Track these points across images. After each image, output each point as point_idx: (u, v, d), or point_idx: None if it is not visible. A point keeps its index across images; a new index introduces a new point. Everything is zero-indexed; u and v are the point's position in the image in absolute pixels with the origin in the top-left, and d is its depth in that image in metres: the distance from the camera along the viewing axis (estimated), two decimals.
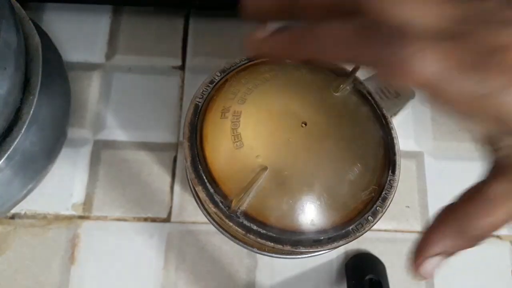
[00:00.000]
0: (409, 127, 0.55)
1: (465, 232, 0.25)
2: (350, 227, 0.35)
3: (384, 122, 0.38)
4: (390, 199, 0.37)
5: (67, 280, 0.48)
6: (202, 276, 0.49)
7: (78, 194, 0.51)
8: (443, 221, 0.26)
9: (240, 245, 0.40)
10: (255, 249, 0.40)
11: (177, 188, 0.52)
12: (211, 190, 0.35)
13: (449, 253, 0.26)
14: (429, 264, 0.26)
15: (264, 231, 0.34)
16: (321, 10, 0.24)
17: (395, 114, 0.47)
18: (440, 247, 0.26)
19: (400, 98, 0.45)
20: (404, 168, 0.53)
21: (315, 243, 0.35)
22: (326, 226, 0.35)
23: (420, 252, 0.26)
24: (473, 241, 0.25)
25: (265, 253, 0.40)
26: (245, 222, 0.34)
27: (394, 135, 0.38)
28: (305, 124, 0.34)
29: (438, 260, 0.26)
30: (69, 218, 0.50)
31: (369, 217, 0.36)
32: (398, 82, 0.21)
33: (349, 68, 0.38)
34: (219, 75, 0.41)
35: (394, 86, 0.31)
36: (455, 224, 0.25)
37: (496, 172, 0.24)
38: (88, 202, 0.51)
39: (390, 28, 0.21)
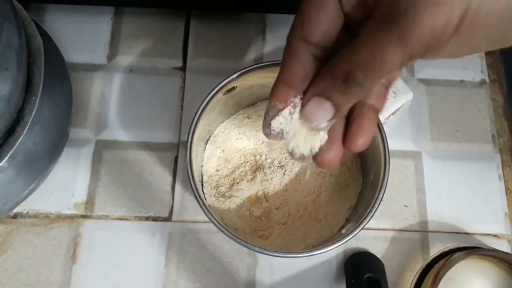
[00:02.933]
0: (407, 127, 0.55)
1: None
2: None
3: None
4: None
5: (69, 279, 0.49)
6: (202, 274, 0.49)
7: (80, 193, 0.52)
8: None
9: (241, 244, 0.40)
10: (256, 248, 0.40)
11: (178, 187, 0.52)
12: None
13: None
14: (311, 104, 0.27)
15: None
16: None
17: (393, 113, 0.47)
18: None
19: (398, 97, 0.45)
20: (403, 168, 0.54)
21: None
22: None
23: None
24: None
25: (265, 252, 0.40)
26: None
27: None
28: None
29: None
30: (71, 217, 0.51)
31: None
32: None
33: None
34: None
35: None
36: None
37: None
38: (89, 202, 0.51)
39: None
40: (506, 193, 0.53)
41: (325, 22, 0.28)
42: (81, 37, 0.58)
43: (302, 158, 0.30)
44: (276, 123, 0.30)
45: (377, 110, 0.29)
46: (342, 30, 0.28)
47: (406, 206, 0.52)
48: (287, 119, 0.29)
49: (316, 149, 0.30)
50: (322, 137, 0.29)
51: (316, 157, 0.30)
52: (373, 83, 0.25)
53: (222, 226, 0.40)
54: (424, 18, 0.22)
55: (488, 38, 0.23)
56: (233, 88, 0.45)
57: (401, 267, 0.50)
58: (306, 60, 0.28)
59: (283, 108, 0.29)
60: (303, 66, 0.28)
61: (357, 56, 0.25)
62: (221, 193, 0.48)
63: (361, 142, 0.28)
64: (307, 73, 0.28)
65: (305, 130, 0.29)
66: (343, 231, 0.45)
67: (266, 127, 0.30)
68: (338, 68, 0.26)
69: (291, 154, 0.31)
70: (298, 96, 0.29)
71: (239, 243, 0.40)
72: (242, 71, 0.43)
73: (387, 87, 0.30)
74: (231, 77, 0.43)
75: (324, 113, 0.27)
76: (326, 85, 0.27)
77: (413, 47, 0.23)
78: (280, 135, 0.30)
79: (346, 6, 0.27)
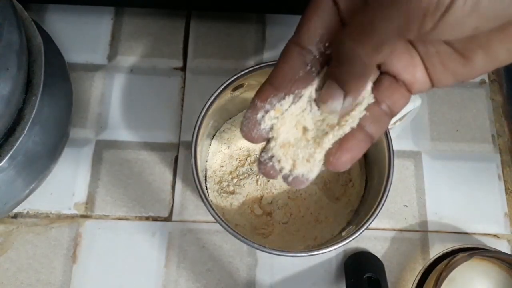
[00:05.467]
0: (407, 127, 0.55)
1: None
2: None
3: None
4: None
5: (69, 279, 0.49)
6: (202, 274, 0.49)
7: (80, 193, 0.52)
8: None
9: (239, 239, 0.40)
10: (255, 245, 0.40)
11: (178, 187, 0.52)
12: None
13: None
14: None
15: None
16: None
17: (400, 119, 0.47)
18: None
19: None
20: (402, 168, 0.54)
21: None
22: None
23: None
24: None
25: (264, 249, 0.40)
26: None
27: None
28: None
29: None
30: (71, 217, 0.51)
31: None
32: None
33: None
34: None
35: None
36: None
37: None
38: (90, 202, 0.51)
39: None
40: (506, 193, 0.53)
41: (320, 27, 0.28)
42: (82, 37, 0.58)
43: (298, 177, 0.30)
44: (269, 118, 0.29)
45: (369, 135, 0.29)
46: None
47: (406, 206, 0.52)
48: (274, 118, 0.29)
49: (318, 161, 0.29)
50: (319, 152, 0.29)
51: (328, 158, 0.29)
52: (371, 53, 0.25)
53: (222, 220, 0.40)
54: None
55: (494, 5, 0.22)
56: (241, 85, 0.45)
57: (400, 267, 0.50)
58: (297, 65, 0.29)
59: (261, 108, 0.29)
60: (292, 70, 0.29)
61: (353, 27, 0.25)
62: (224, 189, 0.48)
63: (338, 163, 0.28)
64: (294, 78, 0.29)
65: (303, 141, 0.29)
66: (343, 233, 0.45)
67: (245, 126, 0.30)
68: (340, 46, 0.26)
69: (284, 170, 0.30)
70: (283, 96, 0.29)
71: (238, 238, 0.40)
72: (250, 68, 0.44)
73: (387, 114, 0.29)
74: (239, 74, 0.43)
75: (333, 93, 0.28)
76: (333, 68, 0.28)
77: (410, 11, 0.23)
78: (266, 134, 0.30)
79: (343, 8, 0.28)
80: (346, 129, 0.28)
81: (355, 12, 0.27)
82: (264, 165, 0.30)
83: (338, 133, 0.28)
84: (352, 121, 0.28)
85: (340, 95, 0.27)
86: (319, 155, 0.28)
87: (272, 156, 0.29)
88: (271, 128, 0.29)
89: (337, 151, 0.28)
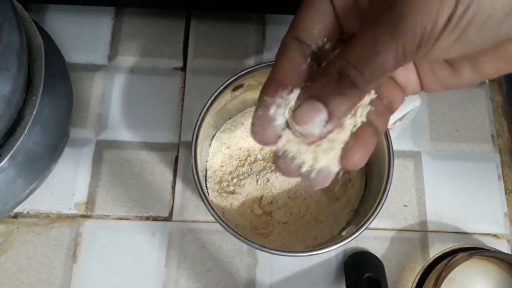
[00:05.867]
0: (407, 127, 0.55)
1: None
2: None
3: None
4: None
5: (70, 279, 0.49)
6: (203, 274, 0.49)
7: (80, 193, 0.52)
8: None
9: (239, 239, 0.40)
10: (255, 244, 0.40)
11: (178, 187, 0.52)
12: None
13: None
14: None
15: None
16: None
17: (400, 119, 0.47)
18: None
19: (405, 103, 0.45)
20: (402, 168, 0.54)
21: None
22: None
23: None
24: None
25: (264, 249, 0.40)
26: None
27: None
28: None
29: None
30: (72, 217, 0.51)
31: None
32: None
33: None
34: None
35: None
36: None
37: None
38: (90, 201, 0.51)
39: None
40: (506, 193, 0.53)
41: (317, 22, 0.28)
42: (82, 38, 0.58)
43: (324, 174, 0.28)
44: (279, 114, 0.27)
45: (376, 128, 0.28)
46: (337, 43, 0.29)
47: (406, 206, 0.52)
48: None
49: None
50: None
51: (342, 158, 0.28)
52: (367, 82, 0.24)
53: (222, 220, 0.40)
54: (414, 13, 0.23)
55: (481, 33, 0.24)
56: (241, 85, 0.45)
57: (400, 266, 0.50)
58: (298, 59, 0.28)
59: (272, 103, 0.27)
60: (294, 65, 0.28)
61: (349, 53, 0.25)
62: (224, 189, 0.49)
63: (356, 158, 0.27)
64: (298, 71, 0.28)
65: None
66: (343, 233, 0.45)
67: (258, 125, 0.27)
68: (332, 67, 0.25)
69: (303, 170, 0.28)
70: (290, 90, 0.27)
71: (238, 238, 0.40)
72: (250, 68, 0.44)
73: (388, 109, 0.29)
74: (239, 74, 0.44)
75: (316, 115, 0.25)
76: (319, 86, 0.25)
77: (405, 42, 0.23)
78: (281, 131, 0.27)
79: (338, 7, 0.28)
80: (358, 121, 0.27)
81: (350, 14, 0.28)
82: (283, 159, 0.28)
83: (351, 121, 0.27)
84: (360, 114, 0.28)
85: (322, 117, 0.25)
86: (339, 143, 0.27)
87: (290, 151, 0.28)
88: (285, 124, 0.28)
89: (355, 146, 0.27)
